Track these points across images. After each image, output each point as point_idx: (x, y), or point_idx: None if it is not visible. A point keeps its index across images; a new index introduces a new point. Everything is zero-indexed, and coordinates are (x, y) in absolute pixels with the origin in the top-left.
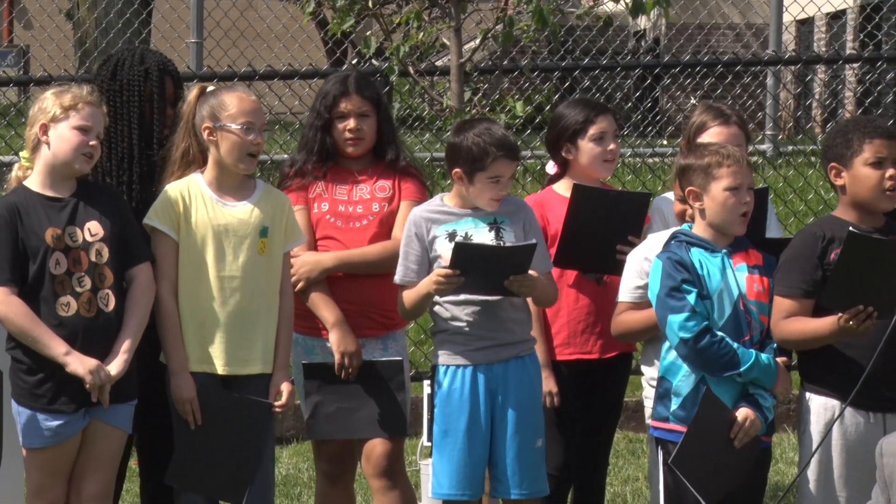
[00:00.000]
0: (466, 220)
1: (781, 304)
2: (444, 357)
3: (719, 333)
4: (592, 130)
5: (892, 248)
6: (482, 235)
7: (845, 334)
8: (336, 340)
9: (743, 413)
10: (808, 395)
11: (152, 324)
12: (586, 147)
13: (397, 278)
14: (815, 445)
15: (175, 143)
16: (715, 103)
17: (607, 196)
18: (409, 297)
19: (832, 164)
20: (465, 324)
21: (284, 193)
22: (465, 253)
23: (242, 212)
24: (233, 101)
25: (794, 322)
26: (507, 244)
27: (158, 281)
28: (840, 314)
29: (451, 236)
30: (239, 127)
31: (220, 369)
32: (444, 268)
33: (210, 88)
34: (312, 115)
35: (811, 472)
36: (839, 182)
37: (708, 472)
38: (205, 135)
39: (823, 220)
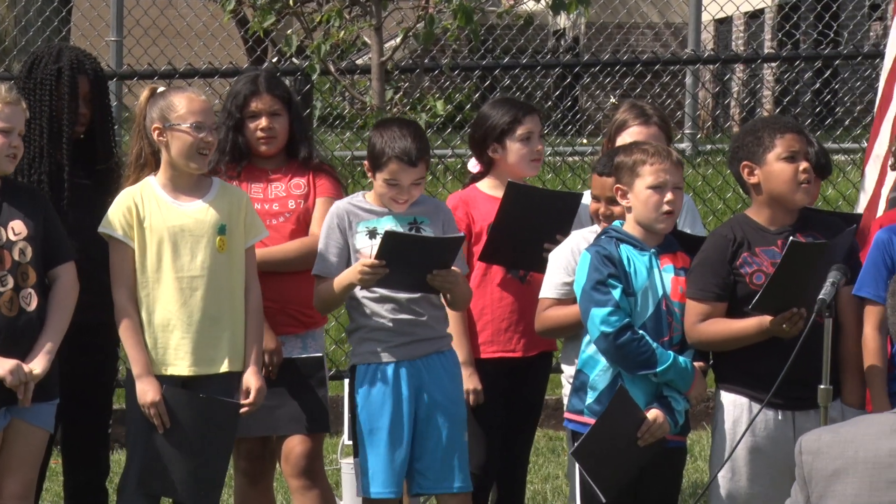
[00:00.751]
0: (387, 217)
1: (695, 307)
2: (364, 355)
3: (640, 331)
4: (520, 130)
5: (828, 251)
6: None
7: (774, 335)
8: None
9: (653, 414)
10: (721, 393)
11: (75, 321)
12: (514, 147)
13: (315, 269)
14: (725, 443)
15: (130, 147)
16: (638, 102)
17: (540, 194)
18: (328, 288)
19: (744, 162)
20: (385, 320)
21: (242, 189)
22: (393, 243)
23: (198, 211)
24: (181, 102)
25: (714, 323)
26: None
27: (116, 288)
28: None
29: (371, 233)
30: (188, 126)
31: (187, 370)
32: (372, 258)
33: (160, 90)
34: (224, 115)
35: (721, 469)
36: (752, 180)
37: (608, 467)
38: (155, 136)
39: (734, 220)
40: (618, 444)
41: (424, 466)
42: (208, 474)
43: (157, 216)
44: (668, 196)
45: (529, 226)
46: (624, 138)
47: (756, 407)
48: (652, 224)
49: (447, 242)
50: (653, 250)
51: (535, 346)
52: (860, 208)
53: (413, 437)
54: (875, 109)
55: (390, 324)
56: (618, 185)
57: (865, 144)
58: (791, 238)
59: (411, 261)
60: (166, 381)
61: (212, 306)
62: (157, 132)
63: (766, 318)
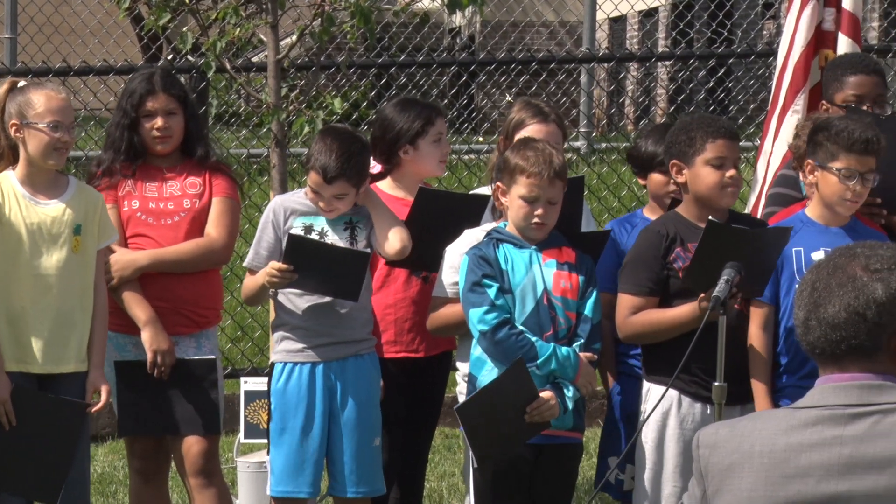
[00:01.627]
0: (324, 216)
1: (628, 301)
2: (282, 354)
3: (519, 326)
4: (432, 132)
5: (746, 237)
6: (338, 233)
7: (700, 319)
8: (148, 338)
9: (547, 394)
10: (647, 385)
11: None
12: (427, 148)
13: (246, 261)
14: (653, 434)
15: None
16: (534, 100)
17: (449, 198)
18: (247, 284)
19: (674, 161)
20: (307, 320)
21: (97, 190)
22: (298, 248)
23: (55, 210)
24: (40, 100)
25: (647, 314)
26: (353, 245)
27: None
28: (701, 298)
29: (308, 230)
30: (45, 125)
31: (37, 367)
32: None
33: (21, 84)
34: (119, 114)
35: (647, 461)
36: (680, 179)
37: (488, 433)
38: (12, 132)
39: (667, 217)
40: (506, 414)
41: (336, 469)
42: (52, 472)
43: (15, 211)
44: (539, 210)
45: (437, 229)
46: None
47: (686, 399)
48: (523, 231)
49: (350, 256)
50: (534, 247)
51: (438, 345)
52: (749, 207)
53: (329, 439)
54: (768, 108)
55: (312, 324)
56: (498, 183)
57: (759, 142)
58: (710, 218)
59: (319, 266)
60: (18, 378)
61: (64, 305)
62: (14, 128)
63: (695, 304)
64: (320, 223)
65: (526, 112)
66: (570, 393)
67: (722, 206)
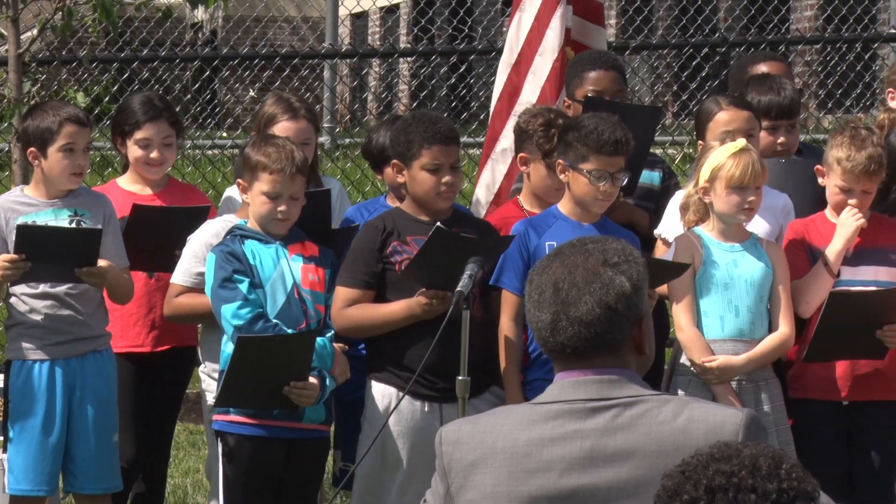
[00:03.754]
0: (46, 211)
1: (343, 293)
2: (19, 351)
3: (274, 320)
4: (138, 135)
5: (470, 244)
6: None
7: (419, 316)
8: None
9: (315, 382)
10: (371, 382)
11: None
12: (133, 148)
13: None
14: (375, 431)
15: None
16: (285, 95)
17: (164, 212)
18: None
19: (394, 161)
20: (42, 317)
21: None
22: (28, 236)
23: None
24: None
25: (362, 308)
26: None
27: None
28: (419, 293)
29: None
30: None
31: None
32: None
33: None
34: None
35: (367, 458)
36: (401, 179)
37: (246, 377)
38: None
39: (387, 212)
40: (275, 372)
41: (75, 466)
42: None
43: None
44: (282, 206)
45: (158, 236)
46: (274, 132)
47: (406, 397)
48: (265, 226)
49: (82, 235)
50: (279, 242)
51: (167, 341)
52: (483, 206)
53: (67, 436)
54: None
55: (47, 321)
56: (239, 180)
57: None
58: (438, 223)
59: (52, 252)
60: None
61: None
62: None
63: (414, 300)
64: (43, 218)
65: (277, 107)
66: (329, 384)
67: (437, 209)
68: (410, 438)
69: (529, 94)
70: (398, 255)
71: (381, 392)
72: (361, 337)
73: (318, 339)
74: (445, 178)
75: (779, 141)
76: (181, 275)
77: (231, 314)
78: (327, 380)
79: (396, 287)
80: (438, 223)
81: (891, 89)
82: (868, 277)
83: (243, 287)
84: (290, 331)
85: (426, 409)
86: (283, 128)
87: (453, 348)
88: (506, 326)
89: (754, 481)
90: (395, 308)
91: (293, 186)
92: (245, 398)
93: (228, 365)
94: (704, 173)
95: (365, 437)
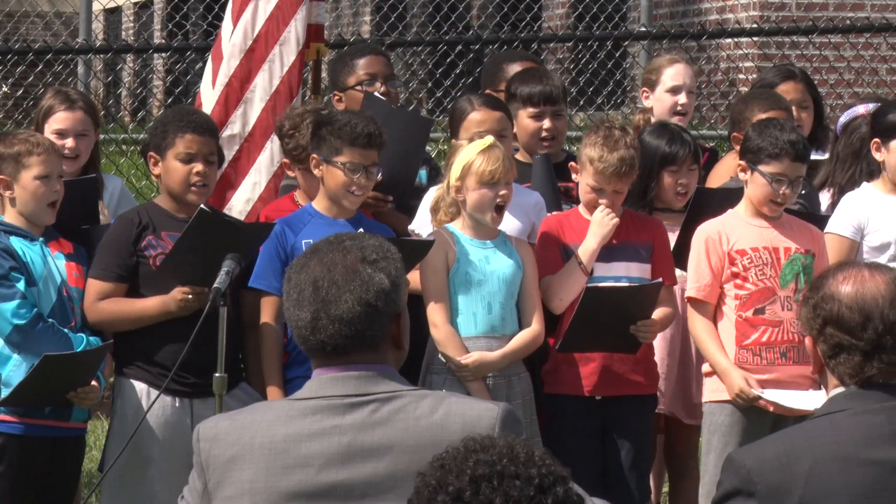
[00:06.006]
0: None
1: (96, 286)
2: None
3: (50, 319)
4: None
5: (232, 229)
6: None
7: (174, 312)
8: None
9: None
10: (121, 378)
11: None
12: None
13: None
14: (127, 429)
15: None
16: (63, 88)
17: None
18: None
19: (150, 152)
20: None
21: None
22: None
23: None
24: None
25: (116, 302)
26: None
27: None
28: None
29: None
30: None
31: None
32: None
33: None
34: None
35: (124, 454)
36: (157, 171)
37: (44, 393)
38: None
39: (142, 206)
40: (65, 376)
41: None
42: None
43: None
44: (57, 186)
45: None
46: (51, 125)
47: (154, 392)
48: (38, 216)
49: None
50: (41, 239)
51: None
52: (252, 201)
53: None
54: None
55: None
56: (2, 177)
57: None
58: (202, 206)
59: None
60: None
61: None
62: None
63: (169, 297)
64: None
65: (55, 99)
66: (102, 383)
67: (188, 202)
68: (161, 434)
69: (265, 83)
70: (153, 250)
71: (131, 388)
72: (114, 331)
73: (92, 338)
74: (198, 168)
75: (545, 127)
76: None
77: (11, 313)
78: (101, 379)
79: (150, 282)
80: (202, 205)
81: (645, 88)
82: (620, 273)
83: (20, 285)
84: (65, 330)
85: (177, 404)
86: (59, 118)
87: (204, 344)
88: (267, 326)
89: (516, 468)
90: (150, 304)
91: (60, 165)
92: (32, 401)
93: (27, 376)
94: (455, 171)
95: (114, 434)
